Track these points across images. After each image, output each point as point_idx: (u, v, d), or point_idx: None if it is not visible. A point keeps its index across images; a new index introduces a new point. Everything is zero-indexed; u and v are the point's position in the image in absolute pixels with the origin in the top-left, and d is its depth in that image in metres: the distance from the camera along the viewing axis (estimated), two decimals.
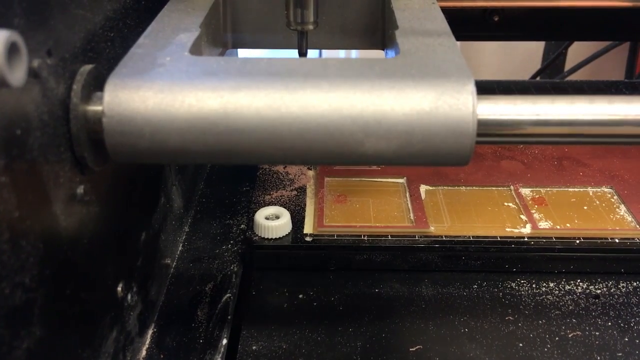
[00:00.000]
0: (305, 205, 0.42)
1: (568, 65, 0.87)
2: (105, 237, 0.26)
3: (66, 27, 0.22)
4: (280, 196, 0.43)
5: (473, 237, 0.38)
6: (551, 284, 0.37)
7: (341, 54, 1.24)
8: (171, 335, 0.32)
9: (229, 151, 0.22)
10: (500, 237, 0.38)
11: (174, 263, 0.37)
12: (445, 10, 0.30)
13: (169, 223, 0.36)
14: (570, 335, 0.34)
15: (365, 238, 0.38)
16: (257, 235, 0.39)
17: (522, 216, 0.40)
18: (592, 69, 0.82)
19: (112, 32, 0.26)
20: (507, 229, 0.39)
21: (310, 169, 0.47)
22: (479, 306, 0.36)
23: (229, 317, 0.33)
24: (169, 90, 0.22)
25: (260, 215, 0.39)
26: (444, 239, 0.38)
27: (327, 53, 1.06)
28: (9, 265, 0.18)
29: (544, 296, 0.37)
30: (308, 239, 0.38)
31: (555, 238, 0.38)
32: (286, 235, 0.39)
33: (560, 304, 0.36)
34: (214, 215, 0.42)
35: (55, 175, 0.21)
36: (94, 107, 0.22)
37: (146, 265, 0.31)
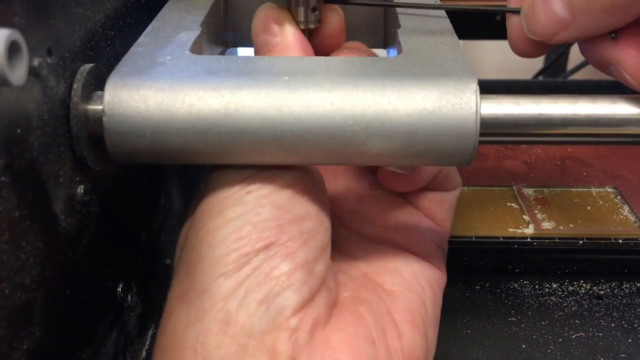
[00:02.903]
0: None
1: (570, 65, 0.87)
2: (105, 237, 0.26)
3: (66, 25, 0.22)
4: None
5: (475, 237, 0.38)
6: (554, 285, 0.37)
7: None
8: None
9: (230, 151, 0.22)
10: (503, 237, 0.38)
11: None
12: (447, 10, 0.30)
13: (169, 223, 0.36)
14: (573, 337, 0.33)
15: None
16: None
17: (524, 216, 0.40)
18: (594, 69, 0.81)
19: (113, 30, 0.26)
20: (510, 230, 0.39)
21: None
22: (482, 307, 0.36)
23: None
24: (169, 90, 0.22)
25: None
26: None
27: None
28: (9, 266, 0.18)
29: (547, 297, 0.36)
30: None
31: (559, 238, 0.38)
32: None
33: (564, 304, 0.36)
34: None
35: (55, 174, 0.21)
36: (94, 106, 0.22)
37: (146, 266, 0.31)
